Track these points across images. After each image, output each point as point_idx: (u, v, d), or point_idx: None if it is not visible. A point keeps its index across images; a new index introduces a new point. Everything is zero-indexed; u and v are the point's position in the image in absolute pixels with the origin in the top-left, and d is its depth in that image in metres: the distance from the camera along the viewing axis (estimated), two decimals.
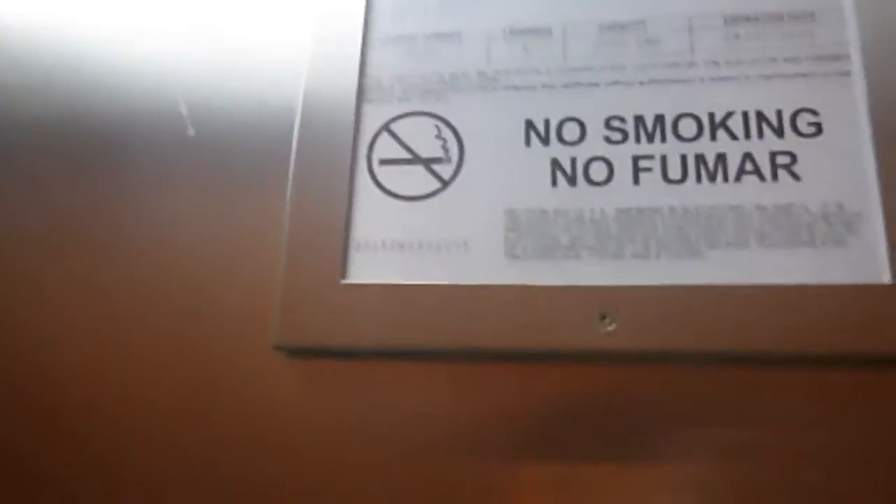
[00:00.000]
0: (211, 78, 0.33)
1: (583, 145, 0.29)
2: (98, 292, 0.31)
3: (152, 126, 0.33)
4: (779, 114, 0.28)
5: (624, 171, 0.28)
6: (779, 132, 0.28)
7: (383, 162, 0.30)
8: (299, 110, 0.31)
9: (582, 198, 0.28)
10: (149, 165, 0.32)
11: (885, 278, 0.26)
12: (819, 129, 0.28)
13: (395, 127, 0.30)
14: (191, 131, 0.33)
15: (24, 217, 0.33)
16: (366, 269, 0.28)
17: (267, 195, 0.30)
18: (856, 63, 0.28)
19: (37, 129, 0.34)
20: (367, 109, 0.31)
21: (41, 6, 0.37)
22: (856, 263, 0.26)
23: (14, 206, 0.33)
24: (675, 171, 0.28)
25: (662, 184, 0.28)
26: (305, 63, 0.31)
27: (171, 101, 0.33)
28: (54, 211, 0.32)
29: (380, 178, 0.29)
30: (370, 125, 0.30)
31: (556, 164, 0.29)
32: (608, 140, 0.29)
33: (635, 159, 0.28)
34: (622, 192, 0.28)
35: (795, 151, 0.28)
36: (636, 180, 0.28)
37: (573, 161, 0.29)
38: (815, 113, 0.28)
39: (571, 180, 0.28)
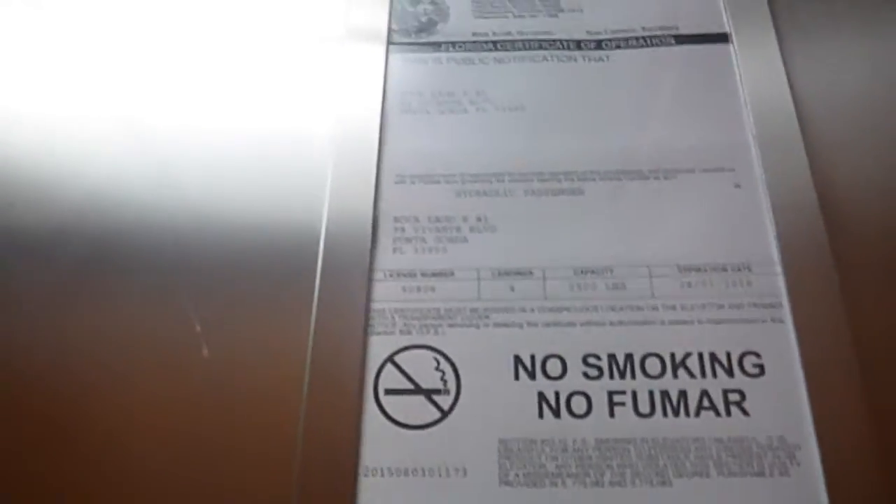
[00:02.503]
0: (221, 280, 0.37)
1: (564, 380, 0.33)
2: None
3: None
4: (728, 355, 0.33)
5: (601, 404, 0.33)
6: (729, 372, 0.33)
7: (388, 392, 0.33)
8: (310, 343, 0.34)
9: (565, 429, 0.32)
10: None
11: None
12: (762, 369, 0.33)
13: (398, 359, 0.34)
14: (205, 351, 0.35)
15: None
16: (375, 498, 0.31)
17: (279, 421, 0.33)
18: (787, 312, 0.34)
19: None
20: (373, 341, 0.34)
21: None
22: (799, 492, 0.31)
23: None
24: (644, 406, 0.33)
25: (634, 417, 0.32)
26: (315, 296, 0.35)
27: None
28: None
29: (386, 407, 0.33)
30: (376, 356, 0.34)
31: (542, 397, 0.33)
32: (586, 375, 0.33)
33: (610, 394, 0.33)
34: (600, 424, 0.32)
35: (744, 390, 0.33)
36: (612, 413, 0.32)
37: (557, 395, 0.33)
38: (758, 356, 0.33)
39: (556, 412, 0.33)
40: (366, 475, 0.32)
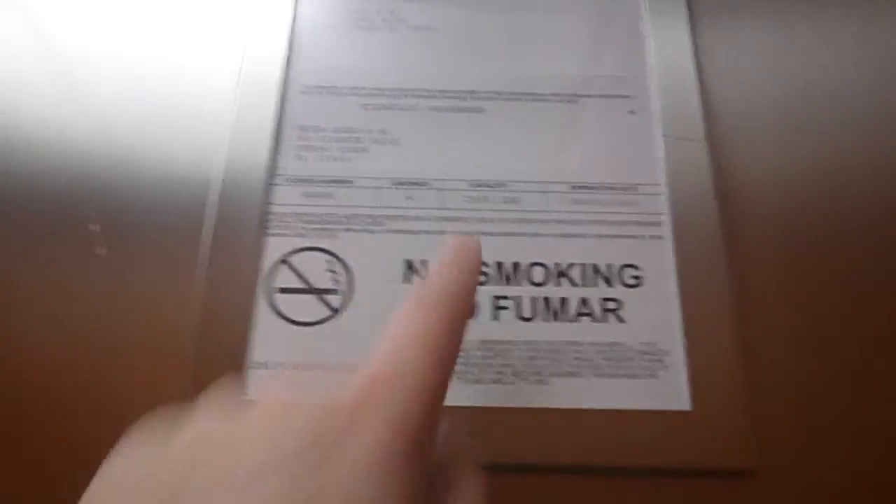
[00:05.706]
0: (123, 192, 0.37)
1: None
2: None
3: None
4: (609, 267, 0.35)
5: (486, 308, 0.34)
6: (609, 282, 0.35)
7: (282, 290, 0.34)
8: (208, 242, 0.34)
9: None
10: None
11: (686, 406, 0.32)
12: (640, 281, 0.35)
13: (293, 259, 0.35)
14: (101, 250, 0.36)
15: None
16: (262, 387, 0.32)
17: (174, 315, 0.34)
18: (666, 229, 0.36)
19: None
20: (270, 242, 0.35)
21: None
22: (665, 393, 0.33)
23: None
24: (527, 311, 0.34)
25: (517, 321, 0.34)
26: (213, 197, 0.36)
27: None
28: None
29: (278, 305, 0.34)
30: (271, 257, 0.35)
31: None
32: None
33: (496, 299, 0.34)
34: (484, 327, 0.34)
35: (622, 299, 0.35)
36: (495, 317, 0.34)
37: None
38: (637, 268, 0.35)
39: None
40: (255, 368, 0.32)
